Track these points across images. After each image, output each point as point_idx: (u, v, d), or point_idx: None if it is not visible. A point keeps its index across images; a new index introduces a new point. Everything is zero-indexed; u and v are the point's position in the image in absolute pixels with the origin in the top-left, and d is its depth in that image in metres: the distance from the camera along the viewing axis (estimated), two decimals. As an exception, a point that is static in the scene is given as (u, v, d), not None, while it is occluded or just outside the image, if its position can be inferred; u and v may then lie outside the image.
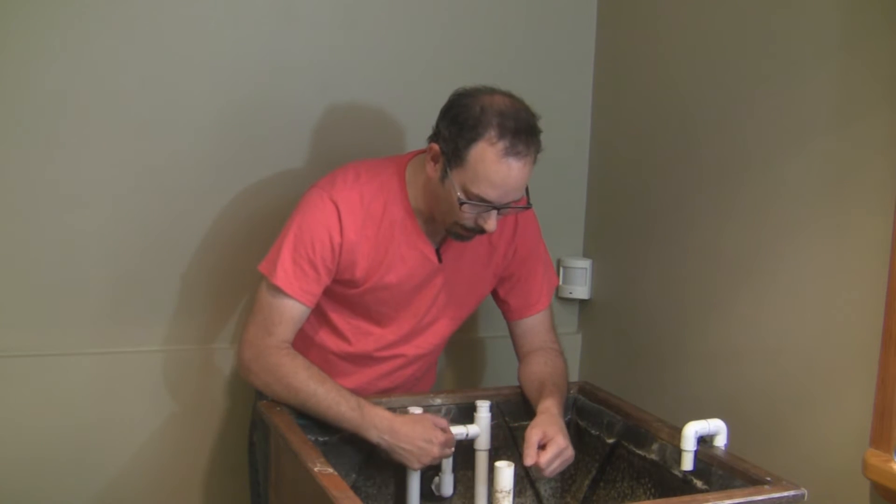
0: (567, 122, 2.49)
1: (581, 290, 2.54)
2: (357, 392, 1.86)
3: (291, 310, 1.85)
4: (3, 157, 2.04)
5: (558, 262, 2.53)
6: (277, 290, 1.84)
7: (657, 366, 2.27)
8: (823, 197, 1.82)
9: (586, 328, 2.59)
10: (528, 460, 1.73)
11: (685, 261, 2.18)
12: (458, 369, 2.48)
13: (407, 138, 2.28)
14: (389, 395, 1.94)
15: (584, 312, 2.59)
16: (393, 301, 1.92)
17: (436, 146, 1.78)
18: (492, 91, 1.77)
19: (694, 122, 2.15)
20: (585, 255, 2.57)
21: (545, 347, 2.02)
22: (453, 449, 1.81)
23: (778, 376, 1.92)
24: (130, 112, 2.10)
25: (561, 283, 2.54)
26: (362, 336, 1.95)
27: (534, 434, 1.75)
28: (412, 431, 1.76)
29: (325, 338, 1.97)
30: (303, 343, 1.95)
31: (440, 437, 1.77)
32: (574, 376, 2.56)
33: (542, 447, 1.74)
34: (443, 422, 1.80)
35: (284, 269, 1.83)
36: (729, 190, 2.04)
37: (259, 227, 2.19)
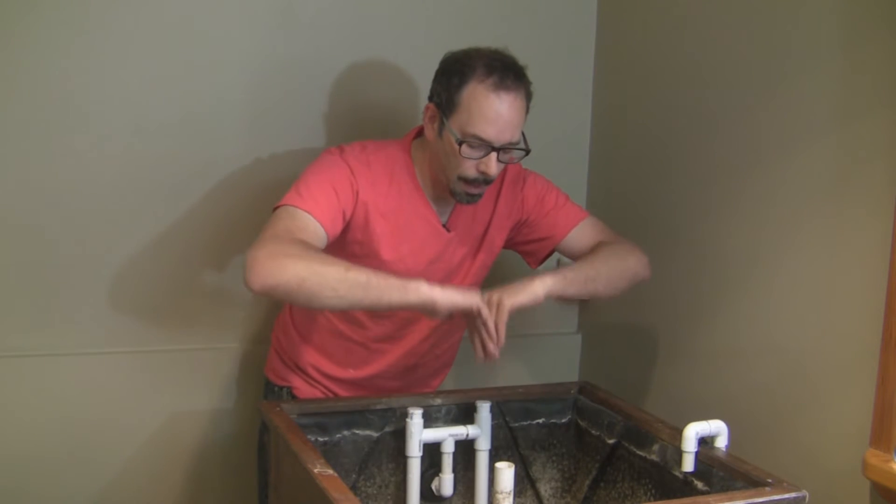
0: (567, 122, 2.49)
1: (581, 290, 2.53)
2: (382, 374, 1.95)
3: (316, 230, 1.76)
4: (13, 157, 2.04)
5: (558, 262, 2.53)
6: (302, 213, 1.76)
7: (657, 366, 2.28)
8: (823, 197, 1.82)
9: (586, 328, 2.59)
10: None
11: (685, 261, 2.18)
12: (459, 369, 2.47)
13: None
14: (389, 394, 1.93)
15: (584, 312, 2.59)
16: (409, 275, 1.91)
17: (431, 105, 1.84)
18: (476, 47, 1.83)
19: (693, 122, 2.15)
20: (585, 254, 2.56)
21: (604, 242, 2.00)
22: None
23: (778, 376, 1.92)
24: (131, 110, 2.10)
25: (561, 282, 2.54)
26: (380, 316, 1.94)
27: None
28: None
29: (347, 329, 1.97)
30: (318, 330, 1.95)
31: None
32: (574, 376, 2.56)
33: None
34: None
35: (310, 194, 1.77)
36: (729, 190, 2.04)
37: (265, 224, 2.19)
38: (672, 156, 2.22)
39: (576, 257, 2.01)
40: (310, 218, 1.76)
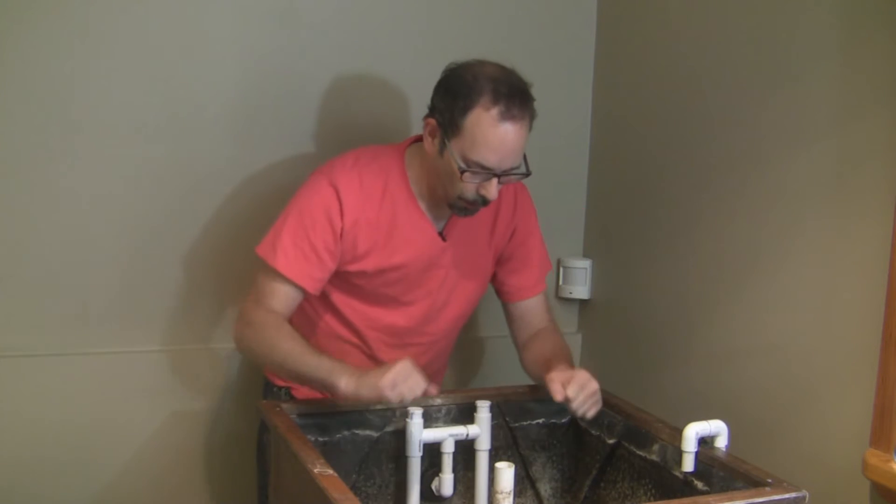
0: (567, 123, 2.49)
1: (581, 290, 2.54)
2: None
3: (287, 292, 1.86)
4: (10, 157, 2.04)
5: (558, 262, 2.53)
6: (276, 274, 1.84)
7: (657, 366, 2.28)
8: (823, 197, 1.82)
9: (586, 328, 2.59)
10: (557, 396, 1.75)
11: (685, 261, 2.18)
12: (458, 369, 2.48)
13: (405, 132, 2.27)
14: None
15: (584, 312, 2.59)
16: (401, 283, 1.92)
17: (432, 120, 1.81)
18: (482, 61, 1.80)
19: (693, 122, 2.15)
20: (585, 255, 2.57)
21: (543, 328, 2.04)
22: (419, 388, 1.71)
23: (778, 376, 1.92)
24: (130, 112, 2.11)
25: (561, 283, 2.54)
26: (375, 326, 1.95)
27: (556, 375, 1.78)
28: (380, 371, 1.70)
29: (338, 328, 1.97)
30: (315, 335, 1.97)
31: (408, 365, 1.71)
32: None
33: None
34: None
35: (285, 253, 1.83)
36: (729, 190, 2.04)
37: (263, 224, 2.17)
38: (672, 156, 2.22)
39: (512, 320, 2.06)
40: (280, 281, 1.85)
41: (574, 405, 1.76)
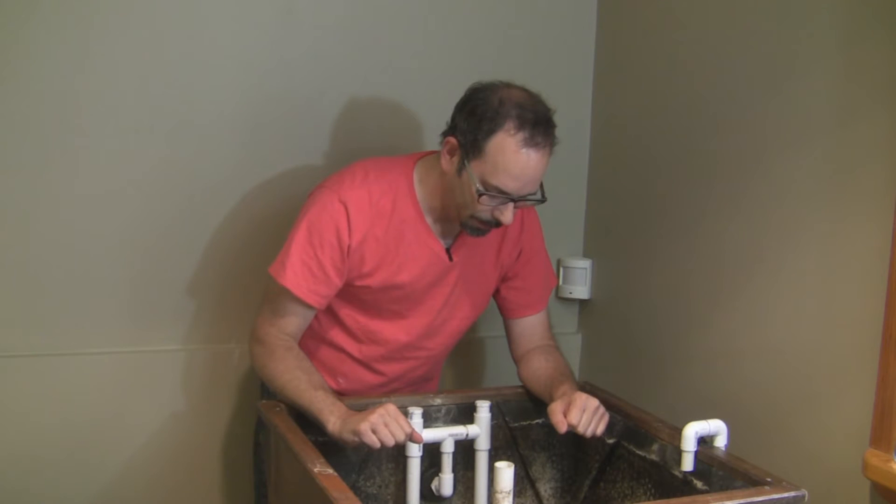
0: (567, 123, 2.45)
1: (581, 290, 2.54)
2: (369, 392, 1.93)
3: (297, 309, 1.87)
4: (13, 158, 2.04)
5: (558, 262, 2.53)
6: (284, 290, 1.85)
7: (657, 366, 2.28)
8: (824, 197, 1.82)
9: (586, 328, 2.59)
10: (561, 427, 1.75)
11: (685, 261, 2.18)
12: (458, 369, 2.48)
13: (409, 138, 2.28)
14: (390, 395, 1.94)
15: (584, 312, 2.59)
16: (406, 300, 1.92)
17: (453, 139, 1.79)
18: (508, 85, 1.79)
19: (694, 122, 2.15)
20: (585, 255, 2.57)
21: (542, 345, 2.03)
22: (406, 432, 1.69)
23: (778, 376, 1.92)
24: (143, 114, 2.11)
25: (561, 283, 2.54)
26: (375, 338, 1.95)
27: (556, 406, 1.77)
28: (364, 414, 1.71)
29: (338, 338, 1.97)
30: (315, 342, 1.97)
31: (391, 409, 1.70)
32: (574, 376, 2.56)
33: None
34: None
35: (294, 271, 1.84)
36: (729, 190, 2.04)
37: (267, 226, 2.19)
38: (672, 156, 2.22)
39: (511, 335, 2.05)
40: (288, 297, 1.85)
41: (580, 429, 1.75)
